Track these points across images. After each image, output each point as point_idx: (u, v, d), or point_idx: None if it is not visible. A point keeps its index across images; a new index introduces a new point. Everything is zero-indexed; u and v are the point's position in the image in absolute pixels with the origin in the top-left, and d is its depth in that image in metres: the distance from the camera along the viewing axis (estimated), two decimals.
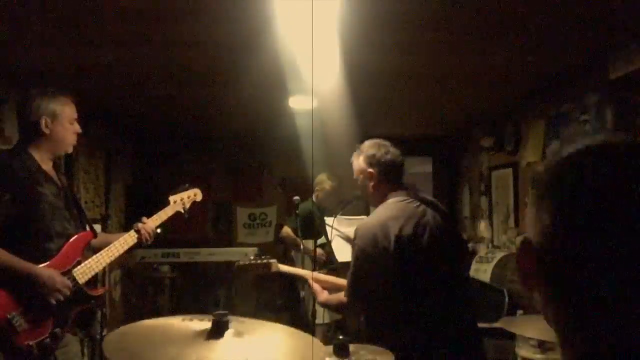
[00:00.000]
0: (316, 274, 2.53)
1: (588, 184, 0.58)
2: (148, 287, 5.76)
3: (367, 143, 2.28)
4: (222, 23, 2.65)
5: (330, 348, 1.74)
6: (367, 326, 2.24)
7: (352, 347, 1.75)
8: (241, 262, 2.60)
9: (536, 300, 0.63)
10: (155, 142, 6.30)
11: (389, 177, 2.22)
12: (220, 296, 5.82)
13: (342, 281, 2.48)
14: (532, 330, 2.16)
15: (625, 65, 3.02)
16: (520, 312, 3.46)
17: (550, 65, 3.46)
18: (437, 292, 2.06)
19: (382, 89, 4.09)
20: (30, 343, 2.02)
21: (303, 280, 2.52)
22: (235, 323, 1.41)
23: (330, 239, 3.45)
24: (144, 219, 2.48)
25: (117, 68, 3.45)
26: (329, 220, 3.49)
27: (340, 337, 1.79)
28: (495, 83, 3.94)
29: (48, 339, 2.08)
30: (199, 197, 2.75)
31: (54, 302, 2.08)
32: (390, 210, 2.11)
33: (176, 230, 4.87)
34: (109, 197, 5.30)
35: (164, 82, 3.88)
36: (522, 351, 2.85)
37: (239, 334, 1.37)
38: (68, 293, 2.12)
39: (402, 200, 2.14)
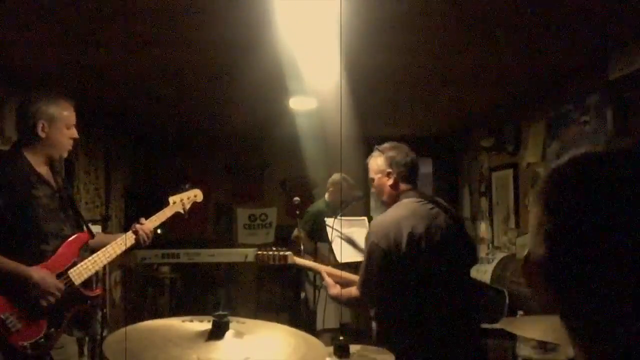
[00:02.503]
0: (330, 268, 2.60)
1: (581, 192, 0.60)
2: (148, 288, 5.76)
3: (388, 145, 2.36)
4: (222, 23, 2.65)
5: (331, 349, 1.74)
6: (376, 322, 2.32)
7: (352, 348, 1.75)
8: (260, 252, 2.75)
9: (551, 309, 0.65)
10: (155, 143, 6.30)
11: (406, 179, 2.30)
12: (221, 297, 5.82)
13: (355, 277, 2.52)
14: (532, 331, 2.16)
15: (625, 65, 3.02)
16: (520, 312, 3.45)
17: (550, 66, 3.46)
18: (444, 292, 2.12)
19: (382, 90, 4.09)
20: (24, 343, 2.03)
21: (315, 273, 2.64)
22: (236, 324, 1.41)
23: (330, 239, 3.45)
24: (142, 219, 2.47)
25: (117, 68, 3.45)
26: (329, 221, 3.49)
27: (341, 338, 1.79)
28: (495, 83, 3.93)
29: (42, 339, 2.08)
30: (200, 198, 2.74)
31: (45, 304, 2.07)
32: (404, 209, 2.20)
33: (176, 231, 4.88)
34: (109, 197, 5.30)
35: (164, 82, 3.87)
36: (522, 352, 2.85)
37: (239, 334, 1.37)
38: (59, 295, 2.11)
39: (417, 202, 2.23)
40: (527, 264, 0.66)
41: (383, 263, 2.09)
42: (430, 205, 2.22)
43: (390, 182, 2.30)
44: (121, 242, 2.36)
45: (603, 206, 0.58)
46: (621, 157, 0.61)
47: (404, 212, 2.17)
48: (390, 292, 2.13)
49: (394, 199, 2.29)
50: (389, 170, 2.30)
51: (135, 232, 2.41)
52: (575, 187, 0.61)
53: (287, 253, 2.74)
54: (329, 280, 2.47)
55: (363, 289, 2.17)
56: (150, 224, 2.47)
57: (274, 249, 2.83)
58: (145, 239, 2.43)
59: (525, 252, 0.67)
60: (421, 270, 2.09)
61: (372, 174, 2.38)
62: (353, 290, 2.26)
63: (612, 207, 0.57)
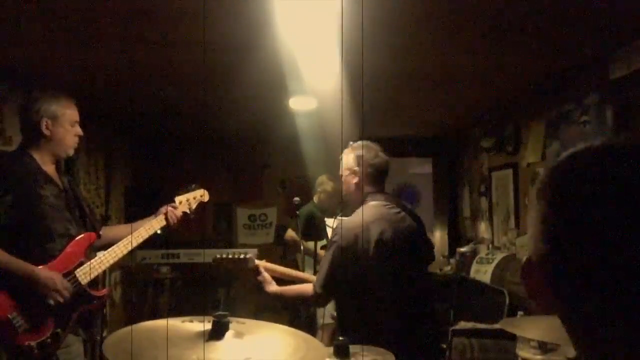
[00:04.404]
0: (265, 263, 2.51)
1: (581, 188, 0.60)
2: (148, 288, 5.76)
3: (359, 143, 2.37)
4: (222, 23, 2.65)
5: (331, 349, 1.74)
6: (337, 314, 2.38)
7: (352, 348, 1.75)
8: (218, 256, 2.57)
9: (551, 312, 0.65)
10: (155, 142, 6.30)
11: (372, 180, 2.32)
12: (221, 297, 5.82)
13: (294, 272, 2.62)
14: (532, 331, 2.16)
15: (625, 65, 3.02)
16: (520, 313, 3.45)
17: (550, 65, 3.46)
18: (404, 289, 2.24)
19: (382, 90, 4.09)
20: (31, 343, 2.03)
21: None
22: (236, 324, 1.41)
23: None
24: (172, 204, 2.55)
25: (117, 68, 3.45)
26: (328, 221, 3.50)
27: (341, 337, 1.78)
28: (495, 83, 3.94)
29: (49, 340, 2.08)
30: (206, 198, 2.75)
31: (53, 303, 2.08)
32: (373, 213, 2.22)
33: (176, 231, 4.88)
34: (109, 197, 5.30)
35: (164, 82, 3.87)
36: (522, 352, 2.84)
37: (239, 334, 1.37)
38: (68, 295, 2.12)
39: (384, 205, 2.27)
40: (528, 264, 0.65)
41: (347, 266, 2.15)
42: (396, 210, 2.27)
43: (356, 180, 2.31)
44: (127, 243, 2.38)
45: (606, 202, 0.58)
46: (623, 151, 0.61)
47: (373, 217, 2.20)
48: (353, 290, 2.19)
49: (358, 198, 2.31)
50: (356, 168, 2.31)
51: (166, 219, 2.49)
52: (578, 182, 0.61)
53: (248, 257, 2.49)
54: (266, 275, 2.43)
55: (324, 288, 2.20)
56: (157, 223, 2.50)
57: (234, 253, 2.62)
58: (174, 220, 2.51)
59: (527, 254, 0.67)
60: (385, 271, 2.18)
61: (341, 171, 2.39)
62: (306, 289, 2.29)
63: (615, 202, 0.58)
